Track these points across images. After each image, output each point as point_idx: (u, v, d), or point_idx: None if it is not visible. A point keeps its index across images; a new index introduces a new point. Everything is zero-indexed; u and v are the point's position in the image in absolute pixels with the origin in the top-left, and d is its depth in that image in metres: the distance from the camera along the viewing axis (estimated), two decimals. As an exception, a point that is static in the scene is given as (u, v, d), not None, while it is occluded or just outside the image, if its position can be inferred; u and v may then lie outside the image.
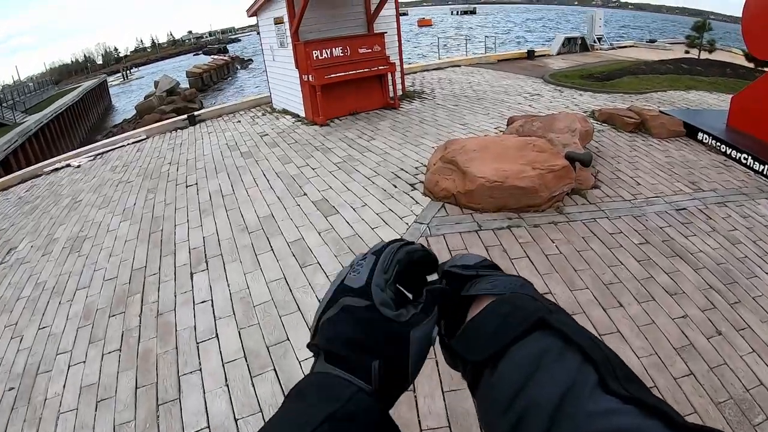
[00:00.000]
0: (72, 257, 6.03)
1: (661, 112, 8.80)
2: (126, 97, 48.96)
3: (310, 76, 9.37)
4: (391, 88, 10.49)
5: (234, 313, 4.31)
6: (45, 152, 25.08)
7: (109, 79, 69.72)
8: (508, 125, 8.21)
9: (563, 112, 8.71)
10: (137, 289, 4.97)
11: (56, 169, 11.54)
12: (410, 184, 6.40)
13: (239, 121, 11.76)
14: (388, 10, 10.55)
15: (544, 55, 18.15)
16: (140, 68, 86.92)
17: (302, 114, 10.54)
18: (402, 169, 6.96)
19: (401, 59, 11.14)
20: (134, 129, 28.29)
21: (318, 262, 4.85)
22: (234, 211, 6.38)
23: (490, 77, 13.89)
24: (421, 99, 11.38)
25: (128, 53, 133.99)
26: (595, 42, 19.78)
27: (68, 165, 11.57)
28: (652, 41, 24.23)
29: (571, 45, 19.35)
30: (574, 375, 0.38)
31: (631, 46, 22.08)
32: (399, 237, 1.03)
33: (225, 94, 38.24)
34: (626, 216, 5.45)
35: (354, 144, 8.36)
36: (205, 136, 10.88)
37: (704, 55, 17.54)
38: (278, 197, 6.56)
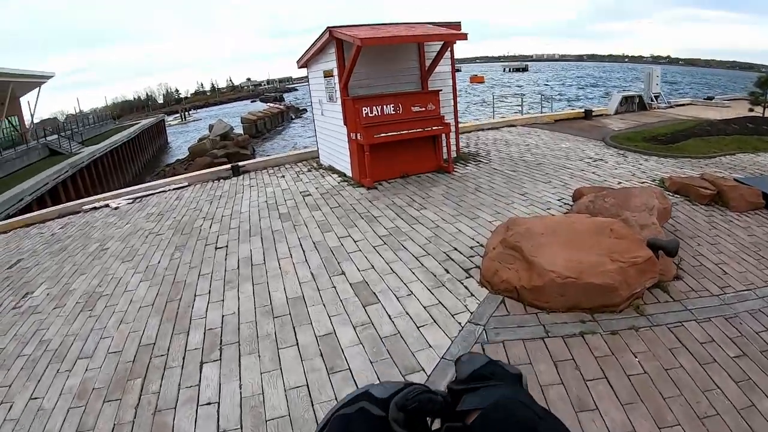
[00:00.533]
0: (83, 316, 5.52)
1: (736, 180, 7.82)
2: (183, 137, 50.25)
3: (358, 134, 8.70)
4: (444, 149, 9.71)
5: (241, 427, 3.46)
6: (96, 185, 25.30)
7: (168, 118, 72.26)
8: (575, 199, 7.30)
9: (637, 186, 7.75)
10: (140, 372, 4.28)
11: (95, 208, 11.24)
12: (464, 270, 5.47)
13: (283, 176, 11.19)
14: (444, 66, 9.89)
15: (601, 115, 17.20)
16: (198, 110, 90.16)
17: (349, 173, 9.86)
18: (455, 249, 6.05)
19: (456, 119, 10.40)
20: (183, 172, 28.66)
21: (349, 368, 3.96)
22: (261, 287, 5.60)
23: (548, 139, 13.00)
24: (477, 162, 10.55)
25: (188, 95, 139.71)
26: (652, 100, 18.77)
27: (107, 205, 11.24)
28: (710, 98, 22.92)
29: (629, 104, 18.41)
30: None
31: (688, 104, 20.96)
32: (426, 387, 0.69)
33: (276, 143, 38.52)
34: (716, 317, 4.39)
35: (402, 213, 7.53)
36: (246, 190, 10.34)
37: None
38: (313, 274, 5.76)
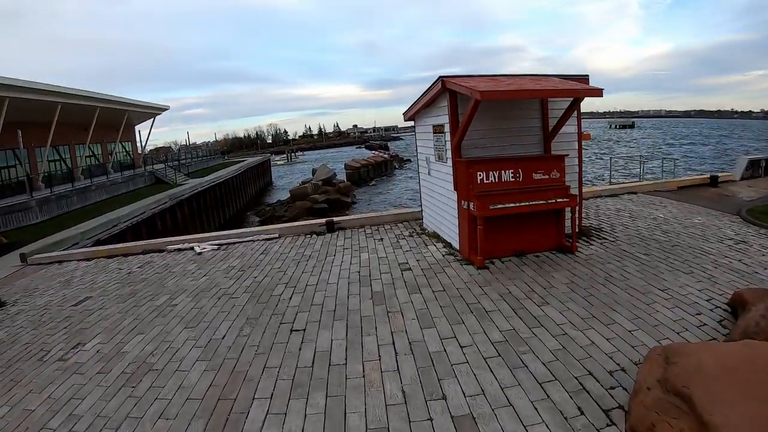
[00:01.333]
0: (123, 393, 4.79)
1: None
2: (287, 177, 51.31)
3: (471, 203, 7.30)
4: (567, 223, 8.08)
5: None
6: (195, 218, 25.51)
7: (275, 158, 74.87)
8: (734, 306, 5.53)
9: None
10: None
11: (179, 250, 10.62)
12: (604, 411, 3.83)
13: (381, 240, 9.96)
14: (569, 127, 8.33)
15: (727, 181, 14.83)
16: (305, 152, 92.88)
17: (456, 245, 8.42)
18: (589, 372, 4.40)
19: (581, 190, 8.74)
20: (281, 217, 28.61)
21: None
22: (337, 402, 4.27)
23: (676, 211, 10.95)
24: (601, 240, 8.78)
25: (296, 137, 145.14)
26: None
27: (192, 248, 10.57)
28: None
29: (755, 168, 15.82)
30: None
31: None
32: None
33: (379, 192, 37.87)
34: None
35: (520, 309, 5.95)
36: (339, 253, 9.21)
37: None
38: (404, 392, 4.32)
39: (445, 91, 7.75)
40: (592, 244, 8.47)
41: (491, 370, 4.56)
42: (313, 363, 5.03)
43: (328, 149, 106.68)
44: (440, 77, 7.75)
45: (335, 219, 11.68)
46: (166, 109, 38.45)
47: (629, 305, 5.89)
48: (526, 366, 4.61)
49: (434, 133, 8.83)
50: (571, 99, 7.74)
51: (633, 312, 5.71)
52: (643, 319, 5.52)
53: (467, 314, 5.89)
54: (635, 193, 13.37)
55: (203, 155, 45.57)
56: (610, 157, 18.55)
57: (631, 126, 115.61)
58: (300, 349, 5.36)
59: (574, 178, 8.47)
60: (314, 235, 10.89)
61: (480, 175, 7.22)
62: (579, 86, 7.79)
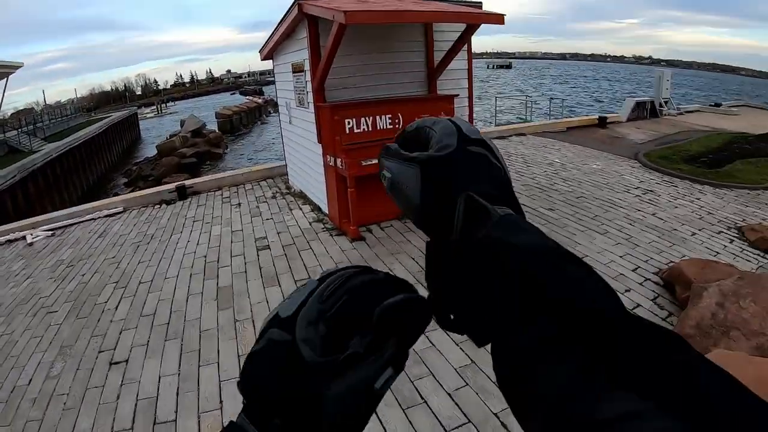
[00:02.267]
0: None
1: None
2: (157, 131, 46.39)
3: (338, 160, 5.55)
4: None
5: None
6: (53, 190, 21.60)
7: (145, 111, 67.85)
8: (670, 282, 4.47)
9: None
10: None
11: (9, 241, 8.03)
12: None
13: (239, 205, 7.99)
14: (459, 62, 6.76)
15: (614, 122, 14.53)
16: (177, 102, 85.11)
17: (325, 208, 6.71)
18: (496, 395, 2.98)
19: None
20: (148, 177, 25.23)
21: None
22: None
23: (572, 155, 10.05)
24: (496, 191, 7.51)
25: (167, 86, 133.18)
26: (662, 106, 16.29)
27: (24, 237, 8.03)
28: (717, 105, 20.67)
29: (640, 110, 15.88)
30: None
31: (696, 111, 18.67)
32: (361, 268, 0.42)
33: (252, 142, 34.77)
34: None
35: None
36: (186, 228, 7.19)
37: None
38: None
39: (304, 17, 5.81)
40: (486, 200, 7.15)
41: (378, 418, 2.99)
42: (133, 422, 3.21)
43: (201, 97, 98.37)
44: (296, 1, 5.76)
45: (187, 183, 9.48)
46: (19, 66, 32.05)
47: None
48: (426, 402, 3.10)
49: (293, 72, 6.88)
50: (464, 27, 6.13)
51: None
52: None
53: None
54: (524, 134, 12.40)
55: (65, 115, 39.31)
56: (495, 98, 17.54)
57: (509, 66, 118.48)
58: (118, 397, 3.50)
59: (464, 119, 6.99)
60: (163, 205, 8.68)
61: (349, 122, 5.47)
62: (475, 11, 6.19)
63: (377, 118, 5.59)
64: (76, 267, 6.26)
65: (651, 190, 7.79)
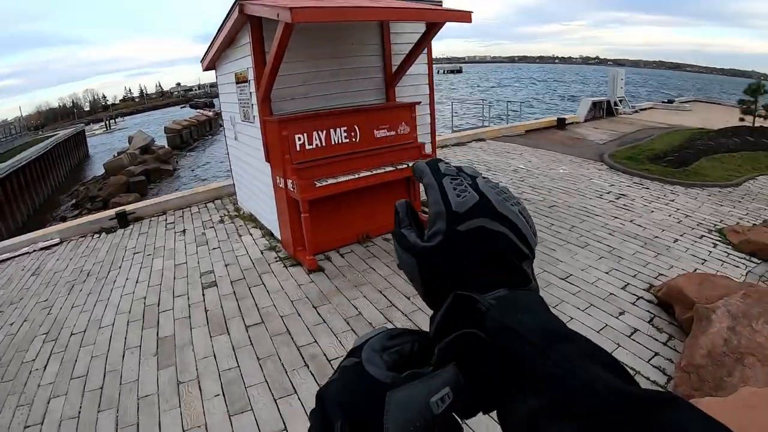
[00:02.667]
0: None
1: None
2: (107, 147, 44.31)
3: (288, 181, 4.77)
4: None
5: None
6: None
7: (94, 127, 64.79)
8: (666, 302, 3.93)
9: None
10: None
11: None
12: None
13: (184, 231, 7.12)
14: (419, 66, 6.10)
15: (572, 123, 14.29)
16: (126, 118, 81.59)
17: (277, 233, 5.91)
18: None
19: (434, 146, 6.64)
20: (95, 198, 23.69)
21: None
22: None
23: (536, 160, 9.58)
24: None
25: (116, 102, 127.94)
26: (617, 105, 16.25)
27: None
28: (670, 101, 20.98)
29: (596, 110, 15.77)
30: None
31: (650, 108, 18.87)
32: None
33: (201, 156, 33.27)
34: None
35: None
36: (127, 260, 6.30)
37: (759, 123, 13.67)
38: None
39: (246, 20, 5.03)
40: (454, 214, 6.52)
41: None
42: None
43: (151, 112, 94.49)
44: (237, 1, 4.96)
45: (129, 208, 8.50)
46: None
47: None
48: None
49: (237, 83, 6.06)
50: (423, 27, 5.47)
51: (534, 324, 3.76)
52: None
53: (302, 373, 3.51)
54: (483, 140, 11.88)
55: (7, 134, 36.79)
56: (451, 102, 16.98)
57: (459, 71, 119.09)
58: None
59: (426, 131, 6.33)
60: (103, 234, 7.70)
61: (299, 138, 4.70)
62: (438, 8, 5.54)
63: (331, 131, 4.85)
64: (5, 313, 5.32)
65: (623, 194, 7.39)
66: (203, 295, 4.98)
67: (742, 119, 13.65)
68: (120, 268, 6.07)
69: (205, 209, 8.19)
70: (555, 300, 4.26)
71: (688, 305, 3.73)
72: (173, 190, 24.25)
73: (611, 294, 4.38)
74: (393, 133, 5.25)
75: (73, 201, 25.45)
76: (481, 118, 16.01)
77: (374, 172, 4.95)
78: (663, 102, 20.69)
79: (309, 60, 5.25)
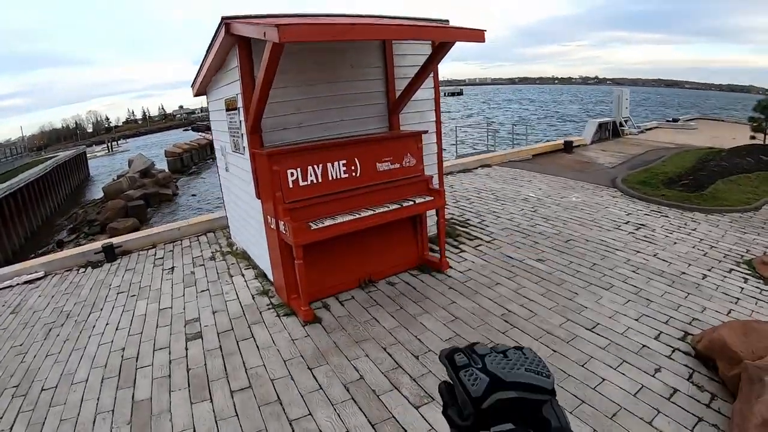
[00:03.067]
0: None
1: None
2: (108, 169, 43.96)
3: (281, 222, 4.18)
4: (430, 222, 5.42)
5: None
6: None
7: (96, 149, 64.45)
8: (706, 356, 3.36)
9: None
10: None
11: None
12: None
13: (172, 269, 6.54)
14: (425, 91, 5.56)
15: (579, 146, 13.78)
16: (128, 140, 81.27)
17: (270, 274, 5.30)
18: None
19: (442, 180, 6.07)
20: (93, 222, 23.09)
21: None
22: None
23: (547, 188, 9.02)
24: (473, 240, 6.32)
25: (119, 123, 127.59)
26: (622, 125, 15.78)
27: None
28: (675, 120, 20.47)
29: (602, 131, 15.28)
30: None
31: (655, 128, 18.38)
32: None
33: (202, 181, 32.77)
34: None
35: (387, 418, 3.17)
36: (109, 301, 5.71)
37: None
38: None
39: (234, 41, 4.50)
40: (464, 251, 5.92)
41: None
42: None
43: (153, 134, 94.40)
44: (223, 19, 4.43)
45: (117, 241, 7.91)
46: None
47: (552, 371, 3.32)
48: None
49: (227, 110, 5.52)
50: (428, 48, 4.95)
51: (563, 386, 3.25)
52: (582, 398, 3.13)
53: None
54: (489, 165, 11.33)
55: (8, 155, 36.33)
56: (456, 126, 16.46)
57: (460, 93, 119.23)
58: None
59: (432, 161, 5.77)
60: (89, 269, 7.11)
61: (292, 174, 4.13)
62: (449, 26, 5.01)
63: (329, 165, 4.28)
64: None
65: (643, 224, 6.83)
66: (186, 349, 4.37)
67: (753, 137, 13.12)
68: (101, 310, 5.49)
69: (197, 243, 7.63)
70: (583, 357, 3.66)
71: (733, 361, 3.15)
72: (171, 215, 23.77)
73: (644, 346, 3.78)
74: (397, 165, 4.69)
75: (71, 225, 24.90)
76: (486, 143, 15.50)
77: (377, 210, 4.37)
78: (667, 120, 20.20)
79: (303, 85, 4.71)
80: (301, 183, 4.13)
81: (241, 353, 4.15)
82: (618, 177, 9.51)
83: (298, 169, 4.11)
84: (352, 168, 4.40)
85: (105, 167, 46.28)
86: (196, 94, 7.04)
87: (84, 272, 7.00)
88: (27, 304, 6.04)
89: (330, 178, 4.28)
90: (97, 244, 7.76)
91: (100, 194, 29.46)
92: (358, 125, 5.18)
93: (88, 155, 48.26)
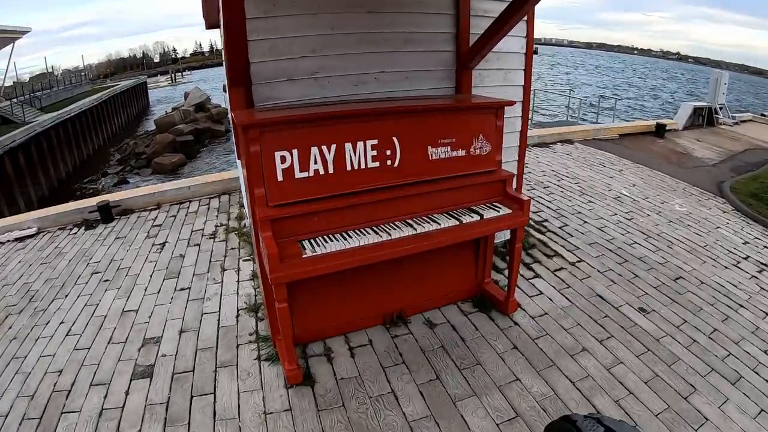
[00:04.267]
0: None
1: None
2: (168, 101, 43.58)
3: (261, 238, 2.53)
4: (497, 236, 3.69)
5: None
6: (38, 168, 18.63)
7: (160, 79, 64.44)
8: None
9: None
10: None
11: None
12: None
13: (164, 245, 5.18)
14: (513, 39, 3.68)
15: (671, 130, 11.39)
16: (194, 72, 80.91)
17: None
18: None
19: (521, 173, 4.24)
20: (141, 155, 22.26)
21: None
22: None
23: (643, 185, 6.98)
24: (551, 258, 4.53)
25: (186, 55, 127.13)
26: (716, 113, 13.13)
27: None
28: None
29: (695, 117, 12.71)
30: None
31: (749, 120, 15.31)
32: None
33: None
34: None
35: None
36: (79, 285, 4.43)
37: None
38: None
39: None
40: (538, 275, 4.16)
41: None
42: None
43: (219, 67, 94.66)
44: None
45: (118, 198, 6.58)
46: (26, 32, 28.84)
47: None
48: None
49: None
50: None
51: None
52: None
53: None
54: (571, 142, 9.29)
55: (70, 83, 36.22)
56: (534, 89, 14.13)
57: (535, 52, 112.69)
58: None
59: (510, 150, 3.95)
60: (81, 229, 5.85)
61: (283, 158, 2.44)
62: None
63: (347, 147, 2.57)
64: None
65: (766, 264, 4.78)
66: (127, 393, 2.94)
67: None
68: (67, 297, 4.22)
69: (206, 208, 6.22)
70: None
71: None
72: (219, 154, 22.68)
73: None
74: (462, 152, 2.93)
75: (120, 156, 24.34)
76: (566, 113, 13.19)
77: (420, 229, 2.66)
78: (763, 115, 17.03)
79: (324, 14, 2.96)
80: (298, 174, 2.46)
81: (190, 423, 2.66)
82: (725, 183, 7.37)
83: (294, 151, 2.43)
84: (387, 153, 2.68)
85: (166, 98, 46.00)
86: (208, 27, 5.46)
87: (75, 234, 5.78)
88: (5, 269, 4.92)
89: (348, 168, 2.59)
90: (92, 202, 6.45)
91: (153, 126, 28.83)
92: (407, 82, 3.41)
93: (151, 85, 48.07)
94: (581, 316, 3.54)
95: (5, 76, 28.32)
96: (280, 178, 2.43)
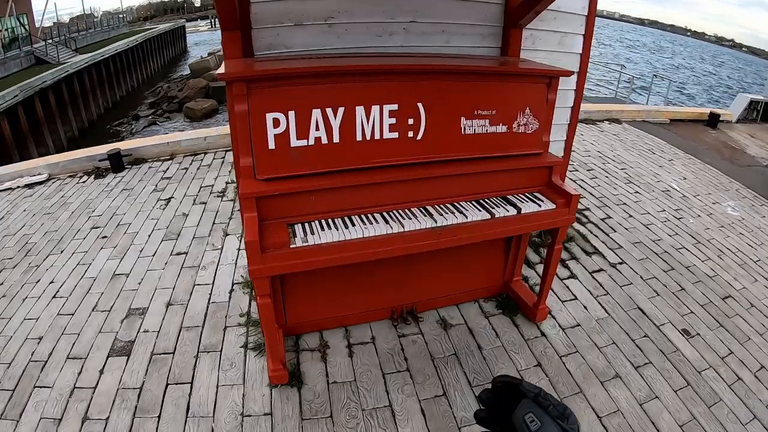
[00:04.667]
0: None
1: None
2: (208, 44, 43.16)
3: (244, 219, 2.11)
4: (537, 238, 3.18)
5: None
6: (69, 108, 18.54)
7: (200, 24, 63.68)
8: None
9: None
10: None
11: None
12: None
13: (169, 200, 4.90)
14: (571, 0, 3.07)
15: (724, 121, 10.45)
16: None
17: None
18: None
19: (567, 157, 3.69)
20: (173, 99, 22.01)
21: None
22: None
23: (694, 179, 6.21)
24: (590, 256, 3.99)
25: None
26: None
27: None
28: None
29: (750, 110, 11.63)
30: None
31: None
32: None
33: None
34: None
35: None
36: (77, 239, 4.19)
37: None
38: None
39: None
40: (574, 276, 3.64)
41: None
42: None
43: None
44: None
45: (130, 147, 6.26)
46: None
47: None
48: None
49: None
50: None
51: None
52: None
53: None
54: (619, 121, 8.55)
55: (108, 25, 35.97)
56: (591, 63, 13.16)
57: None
58: None
59: (558, 129, 3.39)
60: (91, 178, 5.58)
61: (276, 121, 1.97)
62: None
63: (358, 111, 2.07)
64: None
65: None
66: (101, 372, 2.61)
67: None
68: (62, 253, 3.95)
69: (220, 162, 5.88)
70: None
71: None
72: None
73: None
74: (503, 128, 2.39)
75: (152, 99, 24.13)
76: (616, 89, 12.22)
77: (444, 221, 2.17)
78: None
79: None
80: (295, 141, 1.98)
81: (160, 416, 2.32)
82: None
83: (291, 113, 1.94)
84: (409, 122, 2.18)
85: (205, 42, 45.55)
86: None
87: (84, 183, 5.54)
88: (12, 216, 4.71)
89: (358, 138, 2.09)
90: (103, 150, 6.13)
91: (188, 71, 28.46)
92: (442, 36, 2.86)
93: (190, 29, 47.52)
94: (618, 334, 3.03)
95: (43, 17, 28.21)
96: (271, 145, 1.95)
